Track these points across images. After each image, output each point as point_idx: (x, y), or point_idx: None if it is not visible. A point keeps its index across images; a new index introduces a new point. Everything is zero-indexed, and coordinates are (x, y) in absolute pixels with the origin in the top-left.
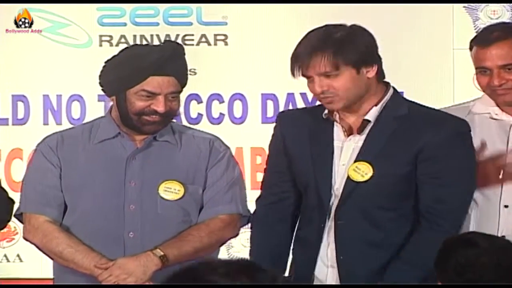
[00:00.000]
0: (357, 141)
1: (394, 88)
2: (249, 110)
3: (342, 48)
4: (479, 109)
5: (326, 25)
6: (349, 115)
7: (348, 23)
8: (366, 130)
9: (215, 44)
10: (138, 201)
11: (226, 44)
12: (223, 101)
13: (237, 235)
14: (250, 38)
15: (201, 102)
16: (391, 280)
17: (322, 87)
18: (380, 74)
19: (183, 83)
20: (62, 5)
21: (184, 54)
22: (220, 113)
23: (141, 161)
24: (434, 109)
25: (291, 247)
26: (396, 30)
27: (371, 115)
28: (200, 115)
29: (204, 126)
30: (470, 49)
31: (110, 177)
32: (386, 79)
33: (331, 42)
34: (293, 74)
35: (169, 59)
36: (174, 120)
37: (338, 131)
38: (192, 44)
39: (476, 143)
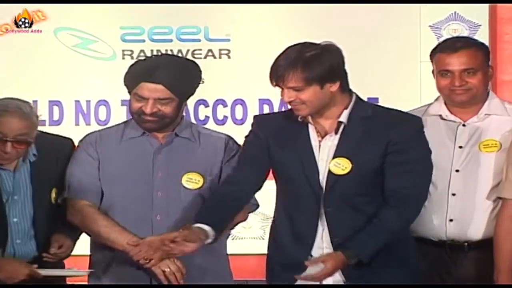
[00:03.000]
0: (333, 140)
1: (356, 95)
2: (248, 113)
3: (309, 68)
4: (432, 112)
5: (303, 43)
6: (323, 119)
7: (333, 38)
8: (341, 129)
9: (220, 58)
10: (164, 189)
11: (229, 57)
12: (226, 105)
13: (246, 219)
14: (250, 52)
15: (208, 106)
16: (359, 241)
17: (290, 97)
18: (344, 86)
19: (174, 90)
20: (90, 24)
21: (183, 66)
22: (224, 116)
23: (166, 155)
24: (392, 109)
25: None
26: (373, 45)
27: (344, 117)
28: (207, 117)
29: (210, 126)
30: (432, 56)
31: (140, 169)
32: (367, 86)
33: (301, 61)
34: (271, 82)
35: (159, 69)
36: (194, 122)
37: (312, 132)
38: (200, 58)
39: (429, 140)
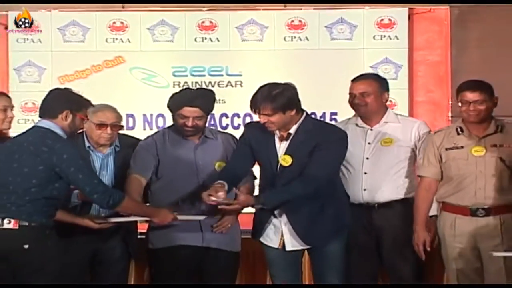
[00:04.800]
0: (286, 143)
1: (306, 114)
2: None
3: (276, 102)
4: (352, 121)
5: (271, 83)
6: (283, 130)
7: (310, 73)
8: (290, 138)
9: (236, 86)
10: (205, 173)
11: (241, 86)
12: (240, 117)
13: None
14: (255, 83)
15: (228, 117)
16: (269, 194)
17: (264, 120)
18: (298, 110)
19: (206, 111)
20: (153, 64)
21: (208, 95)
22: (238, 124)
23: (202, 150)
24: (328, 123)
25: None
26: (335, 78)
27: (293, 130)
28: (227, 124)
29: (229, 130)
30: (350, 84)
31: (186, 160)
32: (330, 104)
33: (270, 98)
34: (251, 110)
35: (196, 97)
36: (215, 128)
37: (276, 138)
38: (223, 86)
39: (349, 141)
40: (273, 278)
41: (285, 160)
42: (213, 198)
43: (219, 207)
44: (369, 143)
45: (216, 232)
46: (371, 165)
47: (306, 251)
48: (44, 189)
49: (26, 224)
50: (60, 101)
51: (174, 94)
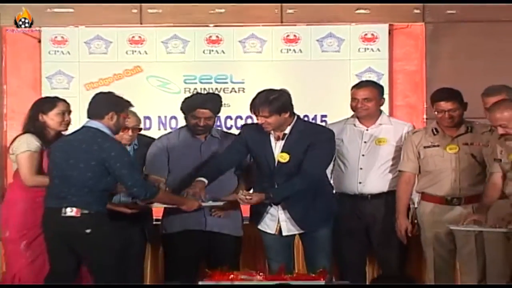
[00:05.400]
0: (281, 142)
1: (298, 116)
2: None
3: (272, 106)
4: (349, 122)
5: (268, 89)
6: (278, 131)
7: (303, 82)
8: (285, 137)
9: (239, 92)
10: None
11: (244, 92)
12: (242, 119)
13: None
14: (255, 89)
15: (232, 119)
16: (276, 190)
17: (261, 121)
18: (291, 113)
19: (215, 112)
20: (166, 73)
21: (217, 99)
22: (241, 125)
23: (207, 147)
24: (318, 124)
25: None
26: (327, 84)
27: (287, 130)
28: (231, 125)
29: (233, 131)
30: (351, 90)
31: (193, 156)
32: (322, 108)
33: (267, 102)
34: (250, 112)
35: (207, 101)
36: (219, 128)
37: (272, 137)
38: (228, 92)
39: (347, 140)
40: (269, 261)
41: (283, 157)
42: (248, 198)
43: (238, 200)
44: (365, 142)
45: (215, 217)
46: (366, 161)
47: (298, 237)
48: (99, 182)
49: (87, 212)
50: (105, 103)
51: (186, 98)
